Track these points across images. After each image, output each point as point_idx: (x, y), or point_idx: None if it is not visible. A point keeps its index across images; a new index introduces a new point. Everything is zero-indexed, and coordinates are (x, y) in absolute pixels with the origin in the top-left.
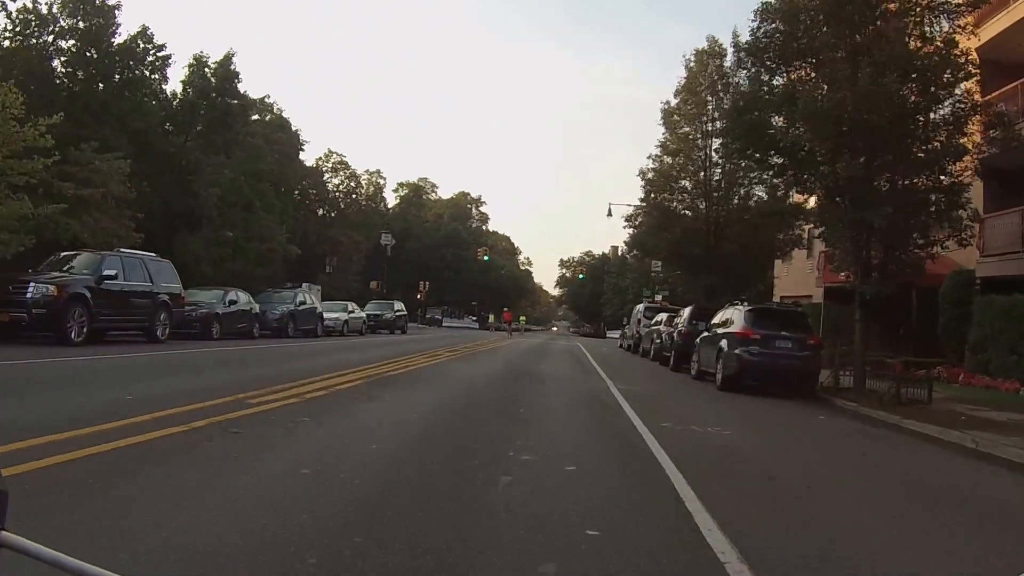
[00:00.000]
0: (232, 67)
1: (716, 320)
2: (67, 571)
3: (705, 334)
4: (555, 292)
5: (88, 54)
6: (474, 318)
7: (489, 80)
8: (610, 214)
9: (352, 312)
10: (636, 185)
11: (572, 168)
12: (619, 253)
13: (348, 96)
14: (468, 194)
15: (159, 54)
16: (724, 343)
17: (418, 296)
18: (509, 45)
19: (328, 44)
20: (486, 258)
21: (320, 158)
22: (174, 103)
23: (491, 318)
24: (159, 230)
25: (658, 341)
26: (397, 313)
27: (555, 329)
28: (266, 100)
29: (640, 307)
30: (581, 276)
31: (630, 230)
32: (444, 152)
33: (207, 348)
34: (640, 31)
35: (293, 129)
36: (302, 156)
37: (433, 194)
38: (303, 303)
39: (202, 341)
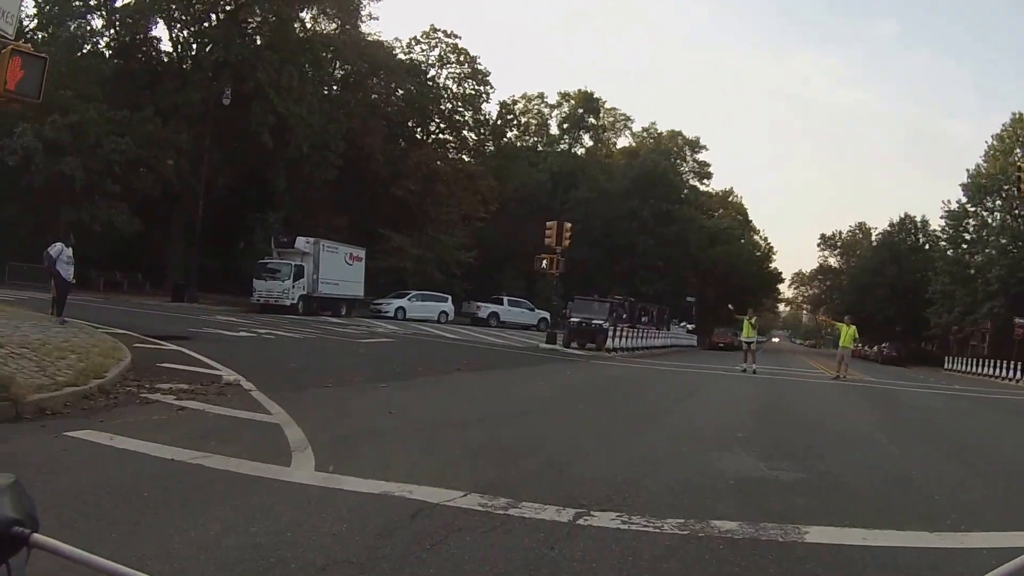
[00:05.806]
0: None
1: None
2: (97, 571)
3: None
4: (789, 291)
5: None
6: (690, 326)
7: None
8: None
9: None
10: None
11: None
12: (960, 202)
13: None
14: (680, 133)
15: None
16: None
17: (547, 266)
18: None
19: None
20: None
21: (416, 38)
22: None
23: (750, 323)
24: None
25: None
26: None
27: (776, 340)
28: None
29: None
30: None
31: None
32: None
33: None
34: None
35: None
36: (377, 31)
37: (626, 132)
38: None
39: None
